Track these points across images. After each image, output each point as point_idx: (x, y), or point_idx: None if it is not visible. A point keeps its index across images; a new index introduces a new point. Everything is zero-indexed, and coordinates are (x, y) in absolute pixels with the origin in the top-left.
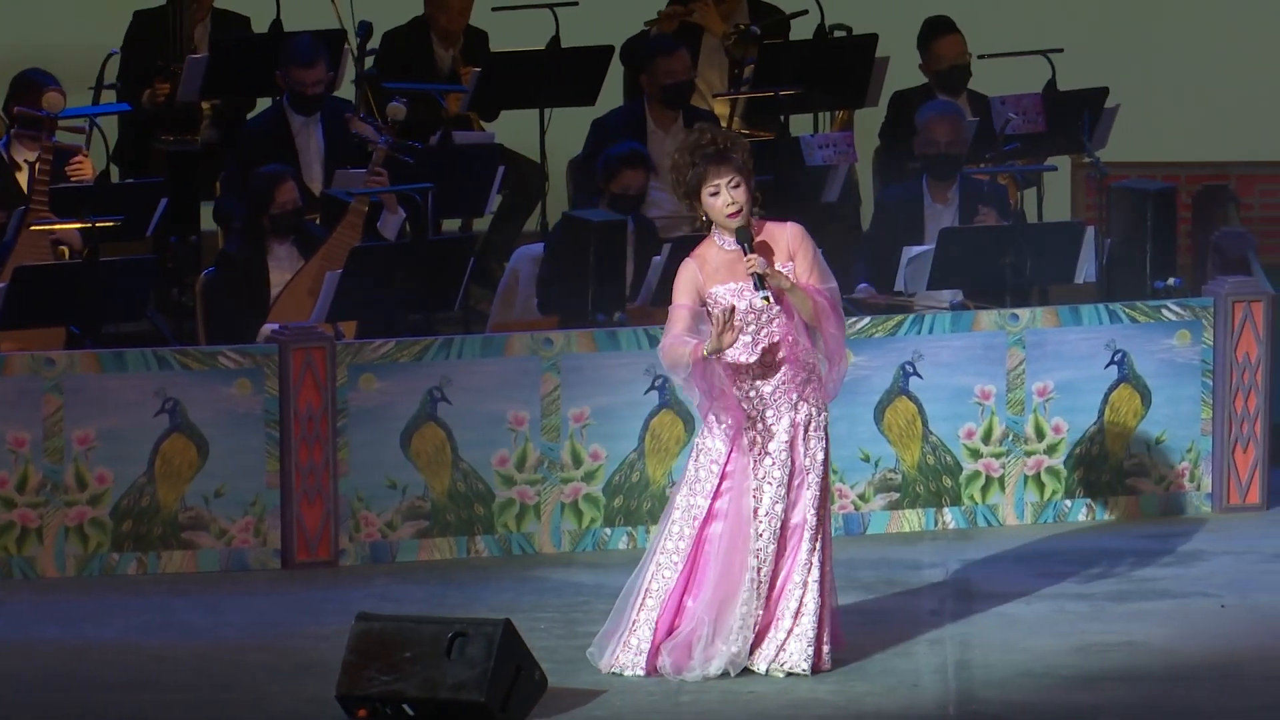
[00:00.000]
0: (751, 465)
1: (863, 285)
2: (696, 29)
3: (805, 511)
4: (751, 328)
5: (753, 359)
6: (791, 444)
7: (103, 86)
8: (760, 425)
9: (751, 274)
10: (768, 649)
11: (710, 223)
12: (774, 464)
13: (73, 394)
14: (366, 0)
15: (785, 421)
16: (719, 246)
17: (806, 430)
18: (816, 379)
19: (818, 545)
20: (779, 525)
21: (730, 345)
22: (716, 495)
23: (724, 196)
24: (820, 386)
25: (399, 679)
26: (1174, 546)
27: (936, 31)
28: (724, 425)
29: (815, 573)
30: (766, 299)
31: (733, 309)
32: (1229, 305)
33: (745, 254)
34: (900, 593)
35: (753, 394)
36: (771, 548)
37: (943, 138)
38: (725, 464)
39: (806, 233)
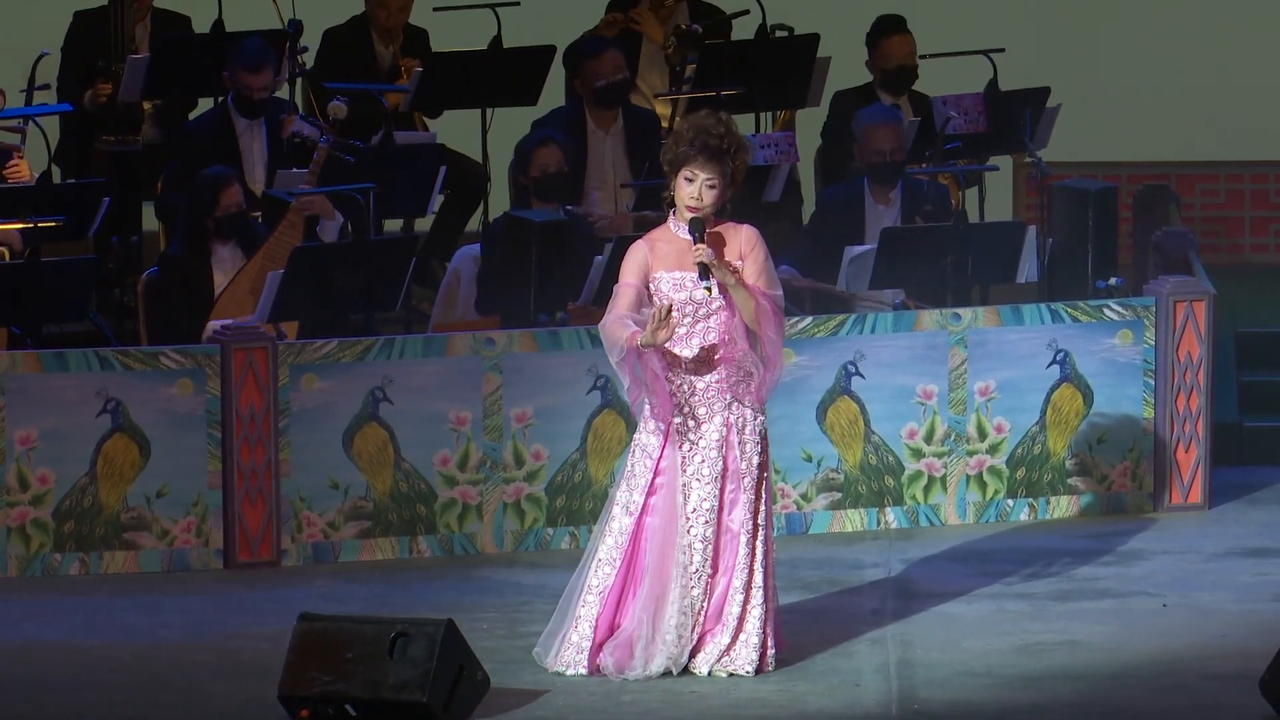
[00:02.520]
0: (681, 462)
1: (783, 267)
2: (637, 34)
3: (741, 517)
4: (688, 320)
5: (687, 353)
6: (725, 445)
7: (34, 88)
8: (691, 422)
9: (697, 263)
10: (710, 652)
11: (671, 205)
12: (704, 462)
13: (14, 394)
14: (306, 0)
15: (718, 420)
16: (673, 233)
17: (742, 433)
18: (752, 384)
19: (758, 551)
20: (711, 525)
21: (664, 342)
22: (651, 491)
23: (695, 189)
24: (756, 389)
25: (341, 679)
26: (1115, 546)
27: (888, 30)
28: (655, 419)
29: (759, 578)
30: (709, 289)
31: (670, 307)
32: (1170, 305)
33: (695, 242)
34: (842, 592)
35: (684, 388)
36: (700, 545)
37: (884, 146)
38: (659, 460)
39: (761, 238)
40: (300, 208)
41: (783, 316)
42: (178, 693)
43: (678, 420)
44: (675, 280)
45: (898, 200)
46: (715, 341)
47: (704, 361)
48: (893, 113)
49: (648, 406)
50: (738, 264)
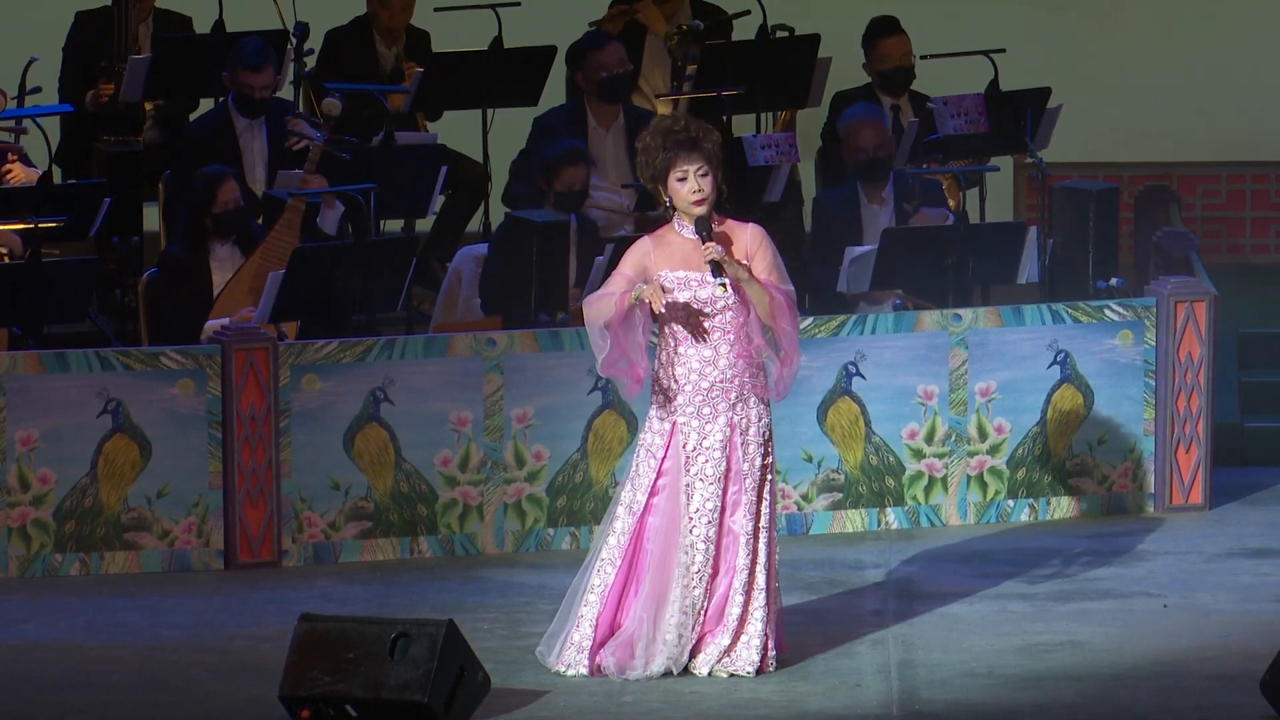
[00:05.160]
0: (685, 462)
1: None
2: (641, 29)
3: (742, 518)
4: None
5: (691, 352)
6: (728, 445)
7: (25, 93)
8: (695, 422)
9: (709, 261)
10: (710, 653)
11: (673, 210)
12: (707, 462)
13: (15, 395)
14: (308, 0)
15: (722, 420)
16: (677, 232)
17: (746, 434)
18: (761, 380)
19: (760, 552)
20: (713, 526)
21: (651, 299)
22: (653, 491)
23: (691, 183)
24: (765, 388)
25: (342, 680)
26: (1116, 547)
27: (882, 31)
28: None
29: (761, 580)
30: (723, 285)
31: (659, 287)
32: (1171, 305)
33: (703, 241)
34: (843, 593)
35: (689, 387)
36: (702, 546)
37: (867, 143)
38: (662, 460)
39: (767, 235)
40: (301, 198)
41: (797, 310)
42: (178, 693)
43: (681, 420)
44: (680, 280)
45: (890, 199)
46: (720, 341)
47: (709, 361)
48: (875, 109)
49: (651, 406)
50: (745, 262)
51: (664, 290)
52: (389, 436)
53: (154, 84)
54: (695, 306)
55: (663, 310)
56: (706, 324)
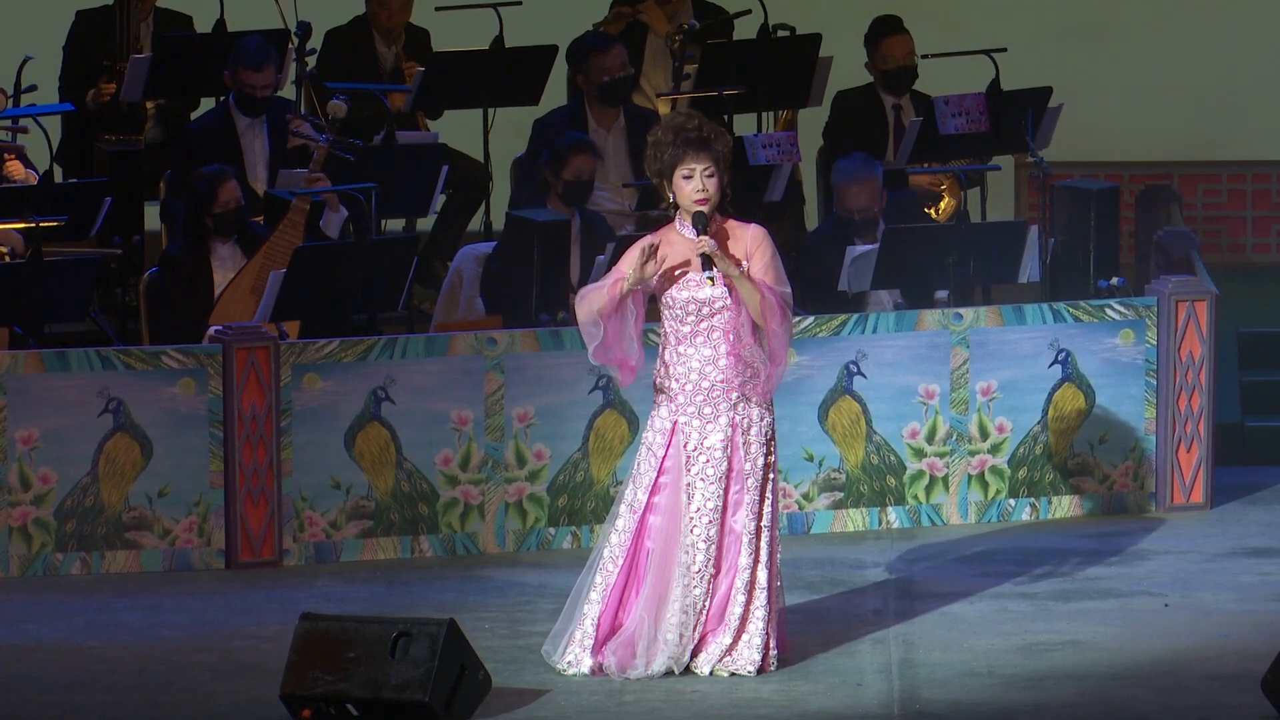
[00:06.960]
0: (686, 461)
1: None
2: (642, 29)
3: (744, 518)
4: (692, 318)
5: (691, 351)
6: (730, 444)
7: (21, 91)
8: (696, 421)
9: (700, 254)
10: (712, 652)
11: (675, 209)
12: (708, 462)
13: (16, 394)
14: (308, 0)
15: (723, 420)
16: (679, 232)
17: (747, 434)
18: (759, 380)
19: (761, 551)
20: (715, 525)
21: (650, 277)
22: (654, 490)
23: (696, 182)
24: (762, 384)
25: (343, 679)
26: (1117, 546)
27: (885, 31)
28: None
29: (762, 579)
30: (711, 280)
31: (657, 245)
32: (1172, 305)
33: (698, 235)
34: (844, 592)
35: (689, 386)
36: (703, 545)
37: (855, 204)
38: (663, 459)
39: (769, 236)
40: (304, 198)
41: (790, 312)
42: (178, 693)
43: (683, 420)
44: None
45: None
46: (720, 341)
47: (709, 361)
48: (866, 169)
49: (653, 406)
50: (744, 262)
51: (649, 253)
52: (390, 436)
53: (155, 83)
54: (695, 306)
55: (663, 259)
56: (706, 324)
